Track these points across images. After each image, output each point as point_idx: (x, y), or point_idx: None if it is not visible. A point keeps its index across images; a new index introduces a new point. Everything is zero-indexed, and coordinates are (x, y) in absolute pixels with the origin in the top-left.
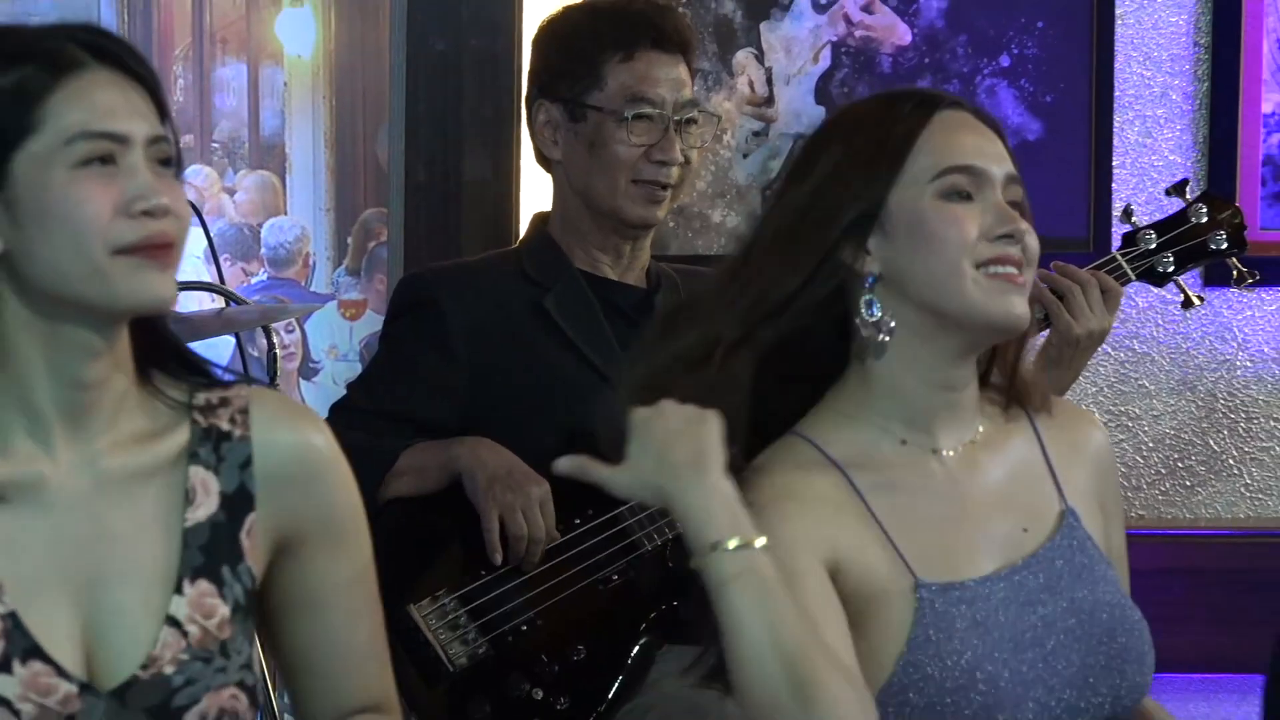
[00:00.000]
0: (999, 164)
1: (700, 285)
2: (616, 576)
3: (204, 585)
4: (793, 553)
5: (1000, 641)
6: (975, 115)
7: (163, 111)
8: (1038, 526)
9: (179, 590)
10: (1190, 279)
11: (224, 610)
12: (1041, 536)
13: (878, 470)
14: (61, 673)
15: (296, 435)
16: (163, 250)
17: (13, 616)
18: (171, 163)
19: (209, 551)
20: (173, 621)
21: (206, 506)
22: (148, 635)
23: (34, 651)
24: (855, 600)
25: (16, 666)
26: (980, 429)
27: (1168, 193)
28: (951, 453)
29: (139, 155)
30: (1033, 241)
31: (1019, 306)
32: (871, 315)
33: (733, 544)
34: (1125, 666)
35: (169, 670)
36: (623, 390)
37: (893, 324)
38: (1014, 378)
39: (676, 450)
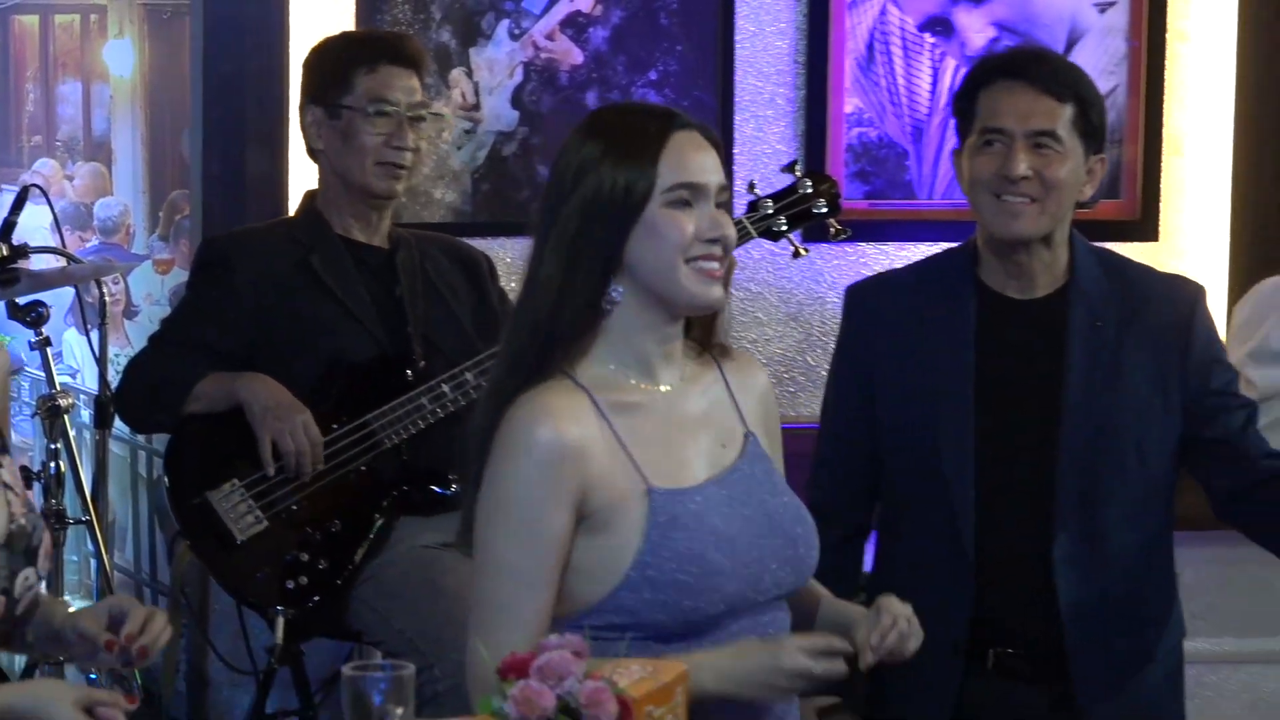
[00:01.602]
0: (715, 176)
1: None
2: (364, 467)
3: (5, 460)
4: (543, 508)
5: (717, 535)
6: (702, 133)
7: None
8: (732, 444)
9: None
10: (796, 236)
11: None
12: (735, 453)
13: (616, 394)
14: None
15: None
16: None
17: None
18: None
19: None
20: (6, 486)
21: None
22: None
23: None
24: (602, 510)
25: None
26: (687, 369)
27: (783, 169)
28: (667, 387)
29: None
30: (731, 234)
31: (716, 292)
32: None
33: None
34: (801, 551)
35: (23, 521)
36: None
37: (619, 299)
38: (710, 334)
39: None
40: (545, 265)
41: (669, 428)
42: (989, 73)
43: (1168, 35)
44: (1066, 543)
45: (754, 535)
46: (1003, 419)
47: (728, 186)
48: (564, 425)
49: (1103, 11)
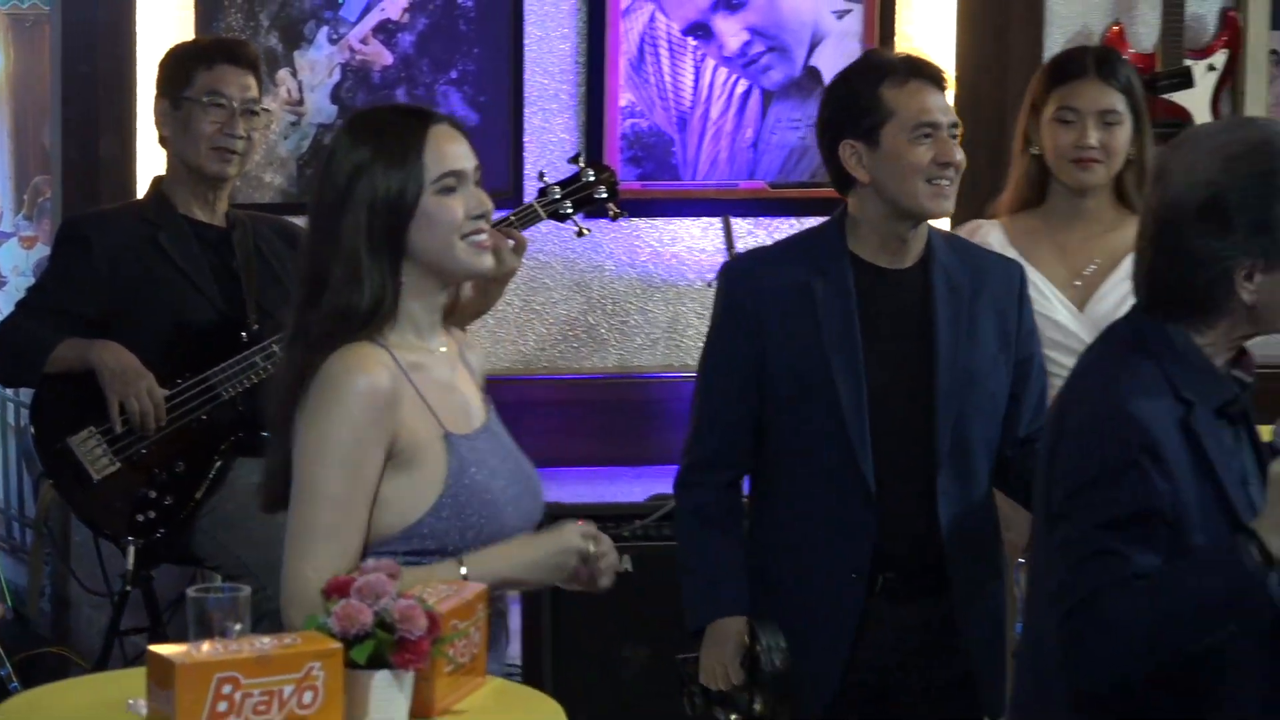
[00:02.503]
0: (470, 160)
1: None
2: (205, 416)
3: None
4: (364, 447)
5: (495, 472)
6: (451, 125)
7: None
8: (478, 401)
9: None
10: (580, 216)
11: None
12: (484, 408)
13: (410, 354)
14: None
15: None
16: None
17: None
18: None
19: None
20: None
21: None
22: None
23: None
24: (407, 450)
25: None
26: (442, 334)
27: (569, 161)
28: (442, 350)
29: None
30: (490, 206)
31: (489, 260)
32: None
33: None
34: (538, 491)
35: None
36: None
37: (406, 281)
38: (455, 307)
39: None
40: (342, 264)
41: (446, 382)
42: (898, 74)
43: (896, 38)
44: (946, 476)
45: (513, 474)
46: (886, 372)
47: (480, 165)
48: (378, 375)
49: (840, 18)
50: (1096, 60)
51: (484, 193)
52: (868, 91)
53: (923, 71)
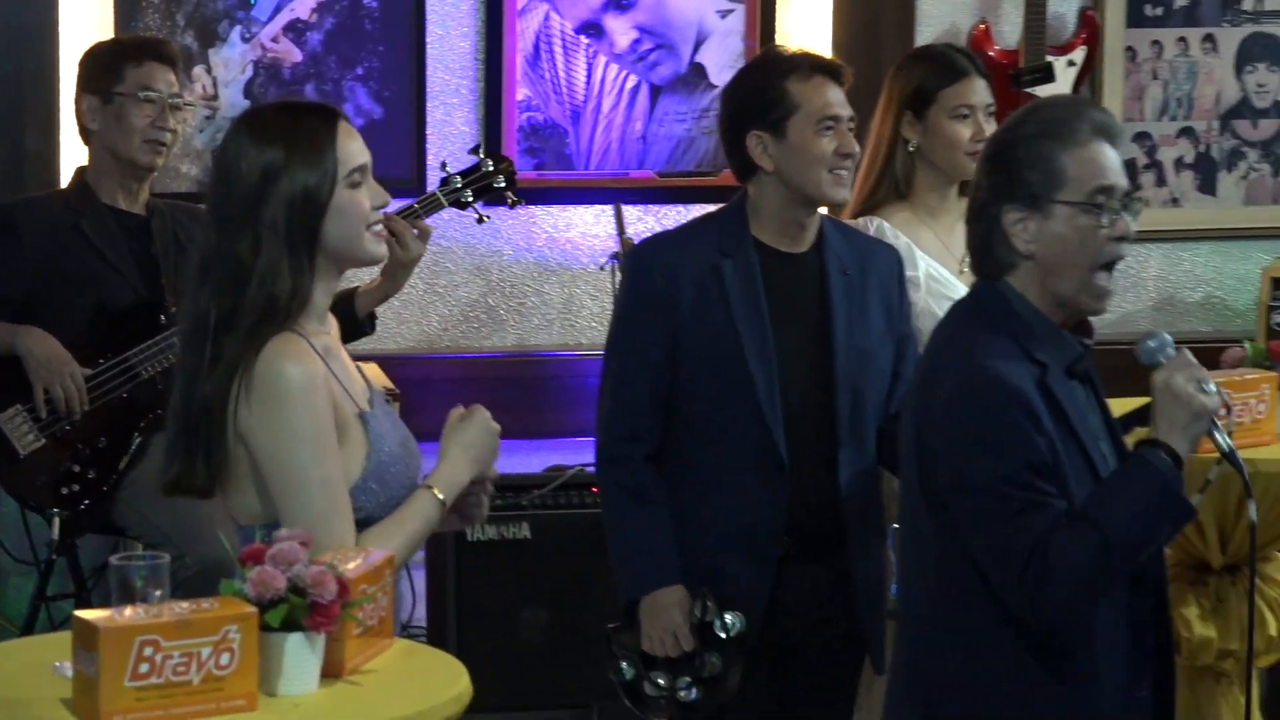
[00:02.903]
0: (369, 156)
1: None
2: (125, 394)
3: None
4: (329, 427)
5: (395, 443)
6: (347, 121)
7: None
8: (361, 377)
9: None
10: (480, 204)
11: None
12: (366, 385)
13: (319, 340)
14: None
15: None
16: None
17: None
18: None
19: None
20: None
21: None
22: None
23: None
24: (340, 431)
25: None
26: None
27: (469, 152)
28: (328, 331)
29: None
30: (388, 198)
31: (385, 248)
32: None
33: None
34: (418, 451)
35: None
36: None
37: (308, 277)
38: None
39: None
40: (264, 258)
41: (344, 363)
42: (802, 70)
43: (776, 36)
44: (846, 448)
45: (401, 438)
46: (790, 350)
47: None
48: (314, 363)
49: (724, 17)
50: (970, 58)
51: (379, 185)
52: (774, 86)
53: (825, 68)
